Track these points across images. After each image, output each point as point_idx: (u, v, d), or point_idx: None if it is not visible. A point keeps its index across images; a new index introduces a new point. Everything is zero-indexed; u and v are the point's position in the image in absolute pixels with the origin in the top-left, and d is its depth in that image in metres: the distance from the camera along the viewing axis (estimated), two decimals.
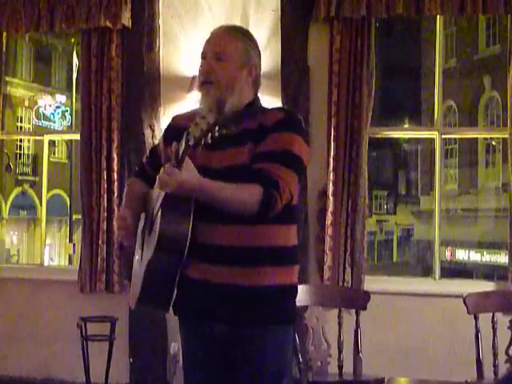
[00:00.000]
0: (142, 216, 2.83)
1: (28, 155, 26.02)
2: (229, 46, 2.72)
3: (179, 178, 2.40)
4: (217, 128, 2.28)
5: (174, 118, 2.93)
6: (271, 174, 2.57)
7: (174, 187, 2.42)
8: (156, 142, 5.76)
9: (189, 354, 2.82)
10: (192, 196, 2.53)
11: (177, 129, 2.73)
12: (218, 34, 2.80)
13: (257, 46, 2.81)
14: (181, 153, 2.38)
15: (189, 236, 2.55)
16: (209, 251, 2.63)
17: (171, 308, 2.75)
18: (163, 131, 2.97)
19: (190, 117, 2.68)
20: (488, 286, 5.47)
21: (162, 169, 2.44)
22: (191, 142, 2.32)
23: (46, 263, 7.39)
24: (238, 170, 2.61)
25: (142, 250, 2.77)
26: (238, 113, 2.68)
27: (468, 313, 4.25)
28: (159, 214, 2.56)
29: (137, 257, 2.83)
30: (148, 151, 3.04)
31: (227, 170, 2.61)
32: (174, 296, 2.67)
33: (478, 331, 4.23)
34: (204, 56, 2.77)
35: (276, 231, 2.68)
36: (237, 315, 2.66)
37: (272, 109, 2.82)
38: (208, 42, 2.79)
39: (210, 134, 2.29)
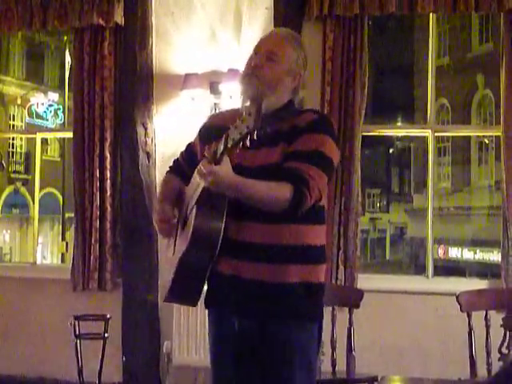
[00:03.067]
0: (176, 212, 2.94)
1: (20, 153, 25.93)
2: (282, 50, 2.83)
3: (216, 173, 2.49)
4: (255, 132, 2.35)
5: (211, 118, 3.06)
6: (301, 173, 2.65)
7: (211, 181, 2.51)
8: (148, 140, 5.76)
9: (217, 348, 2.89)
10: (226, 193, 2.61)
11: (213, 128, 2.87)
12: (276, 36, 2.92)
13: (306, 58, 2.93)
14: (219, 153, 2.46)
15: (221, 233, 2.65)
16: (239, 247, 2.71)
17: (204, 302, 2.87)
18: (199, 129, 3.03)
19: (228, 117, 2.82)
20: (481, 284, 5.48)
21: (202, 161, 2.53)
22: (229, 145, 2.40)
23: (38, 262, 7.37)
24: (271, 170, 2.69)
25: (175, 245, 2.88)
26: (274, 115, 2.75)
27: (461, 311, 4.25)
28: (194, 210, 2.66)
29: (170, 252, 2.93)
30: (185, 147, 3.10)
31: (260, 168, 2.69)
32: (203, 291, 2.79)
33: (471, 329, 4.23)
34: (256, 51, 2.85)
35: (305, 230, 2.76)
36: (264, 311, 2.75)
37: (305, 110, 2.92)
38: (264, 39, 2.89)
39: (248, 138, 2.36)
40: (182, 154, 3.10)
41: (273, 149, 2.70)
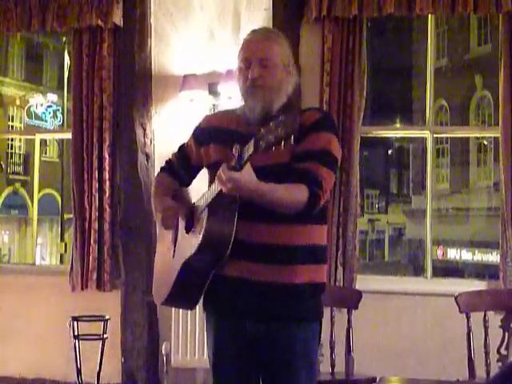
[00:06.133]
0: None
1: (19, 154, 25.92)
2: (272, 53, 2.79)
3: (237, 180, 2.45)
4: (292, 136, 2.28)
5: (207, 119, 3.00)
6: (315, 174, 2.66)
7: (234, 187, 2.47)
8: (147, 141, 5.76)
9: (219, 350, 2.86)
10: (247, 198, 2.57)
11: (210, 129, 2.88)
12: (258, 41, 2.84)
13: (289, 46, 2.89)
14: (246, 156, 2.40)
15: (232, 237, 2.62)
16: (247, 249, 2.69)
17: (202, 305, 2.87)
18: (194, 131, 3.00)
19: (223, 119, 2.86)
20: (480, 285, 5.47)
21: (222, 167, 2.46)
22: (262, 148, 2.32)
23: (37, 262, 7.38)
24: (279, 169, 2.68)
25: (175, 247, 2.84)
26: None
27: (460, 312, 4.25)
28: (205, 213, 2.63)
29: (167, 254, 2.90)
30: (177, 149, 3.07)
31: (268, 168, 2.65)
32: (202, 296, 2.78)
33: (469, 330, 4.23)
34: (247, 63, 2.79)
35: (312, 231, 2.78)
36: (270, 312, 2.74)
37: (308, 109, 2.92)
38: (249, 49, 2.82)
39: (283, 142, 2.29)
40: (174, 155, 3.07)
41: (280, 148, 2.69)
